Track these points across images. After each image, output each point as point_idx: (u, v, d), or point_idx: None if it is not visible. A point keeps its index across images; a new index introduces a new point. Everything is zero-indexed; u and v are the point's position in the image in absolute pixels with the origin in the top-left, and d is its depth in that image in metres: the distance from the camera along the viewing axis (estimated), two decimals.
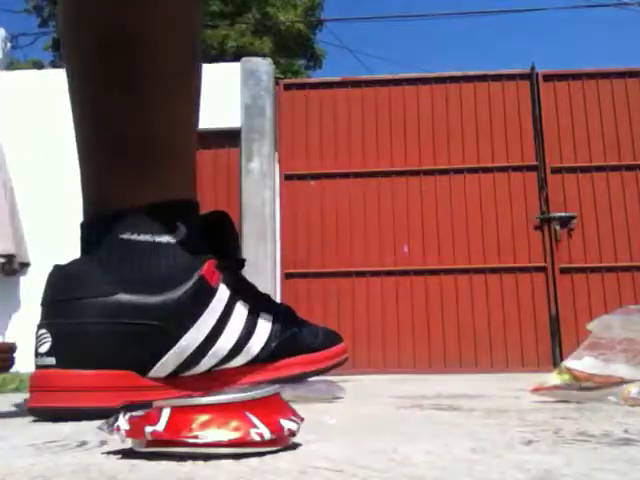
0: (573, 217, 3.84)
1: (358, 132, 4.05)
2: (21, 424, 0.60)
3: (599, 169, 3.91)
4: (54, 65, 11.11)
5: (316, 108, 4.08)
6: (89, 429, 0.52)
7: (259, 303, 0.76)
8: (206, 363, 0.69)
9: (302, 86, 4.23)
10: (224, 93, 4.07)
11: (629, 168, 3.91)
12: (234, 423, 0.35)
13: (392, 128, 4.04)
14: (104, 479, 0.31)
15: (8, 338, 3.85)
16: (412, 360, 3.74)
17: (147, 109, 0.70)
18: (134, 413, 0.37)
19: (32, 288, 3.94)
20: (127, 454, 0.38)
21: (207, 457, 0.35)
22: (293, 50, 11.26)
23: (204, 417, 0.35)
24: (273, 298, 0.83)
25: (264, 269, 3.87)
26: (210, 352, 0.69)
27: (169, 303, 0.66)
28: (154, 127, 0.71)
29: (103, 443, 0.43)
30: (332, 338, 0.83)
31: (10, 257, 3.83)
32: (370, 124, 4.06)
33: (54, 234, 3.95)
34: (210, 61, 4.62)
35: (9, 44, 5.00)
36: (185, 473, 0.32)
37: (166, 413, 0.36)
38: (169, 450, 0.35)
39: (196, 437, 0.35)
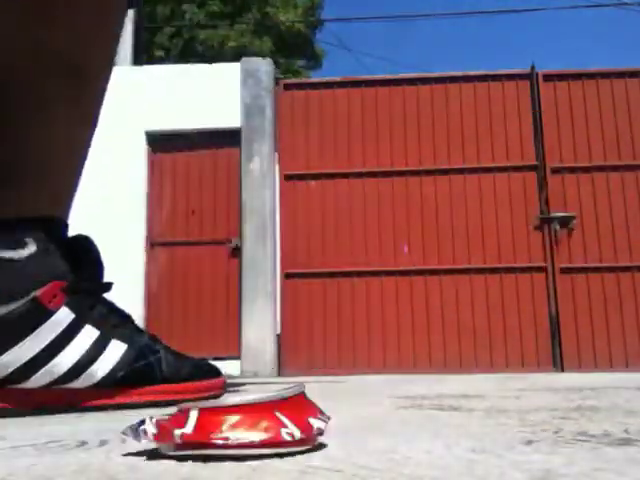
0: (573, 217, 3.84)
1: (358, 132, 4.04)
2: (21, 424, 0.60)
3: (599, 169, 3.91)
4: None
5: (316, 108, 4.08)
6: (89, 429, 0.52)
7: (116, 330, 0.76)
8: (39, 380, 0.70)
9: (302, 86, 4.23)
10: (224, 93, 4.07)
11: (629, 168, 3.91)
12: (264, 423, 0.35)
13: (392, 128, 4.04)
14: (104, 479, 0.31)
15: None
16: (412, 360, 3.74)
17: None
18: (161, 416, 0.37)
19: None
20: (127, 454, 0.38)
21: (237, 459, 0.35)
22: (293, 50, 11.26)
23: (234, 418, 0.35)
24: (141, 327, 0.84)
25: (264, 269, 3.87)
26: (42, 370, 0.70)
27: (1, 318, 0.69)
28: (4, 149, 0.73)
29: (103, 443, 0.43)
30: (203, 372, 0.82)
31: None
32: (370, 124, 4.06)
33: None
34: (210, 61, 4.62)
35: None
36: (185, 473, 0.32)
37: (194, 415, 0.35)
38: (199, 452, 0.35)
39: (227, 439, 0.34)
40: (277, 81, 4.17)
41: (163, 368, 0.78)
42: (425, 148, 4.00)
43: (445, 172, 3.96)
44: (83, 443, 0.43)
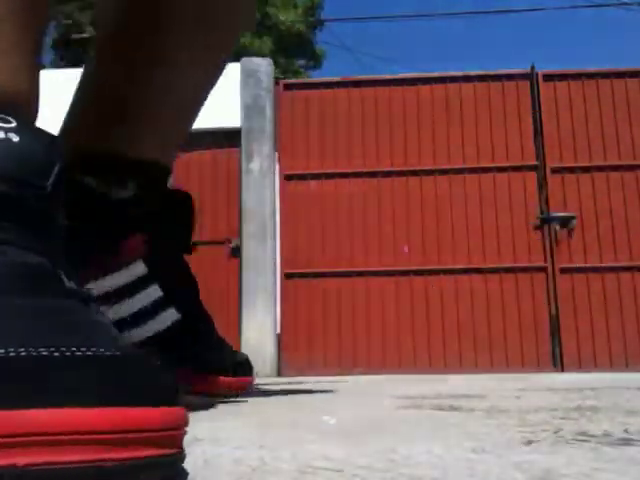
0: (573, 217, 3.84)
1: (358, 132, 4.04)
2: None
3: (599, 169, 3.91)
4: (54, 65, 11.12)
5: (316, 108, 4.08)
6: None
7: (179, 299, 0.74)
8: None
9: (302, 86, 4.23)
10: (224, 93, 4.07)
11: (629, 168, 3.90)
12: None
13: (392, 128, 4.04)
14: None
15: None
16: (412, 360, 3.74)
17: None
18: None
19: None
20: None
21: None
22: (293, 50, 11.26)
23: None
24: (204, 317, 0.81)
25: (264, 269, 3.87)
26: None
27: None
28: (124, 84, 0.74)
29: None
30: (243, 368, 0.79)
31: None
32: (370, 124, 4.06)
33: None
34: None
35: None
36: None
37: None
38: None
39: None
40: (277, 81, 4.17)
41: (206, 356, 0.74)
42: (425, 148, 4.00)
43: (445, 172, 3.96)
44: None
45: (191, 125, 0.84)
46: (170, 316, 0.72)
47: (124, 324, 0.70)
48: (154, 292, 0.72)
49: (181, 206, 0.77)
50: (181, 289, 0.76)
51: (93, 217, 0.68)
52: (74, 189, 0.68)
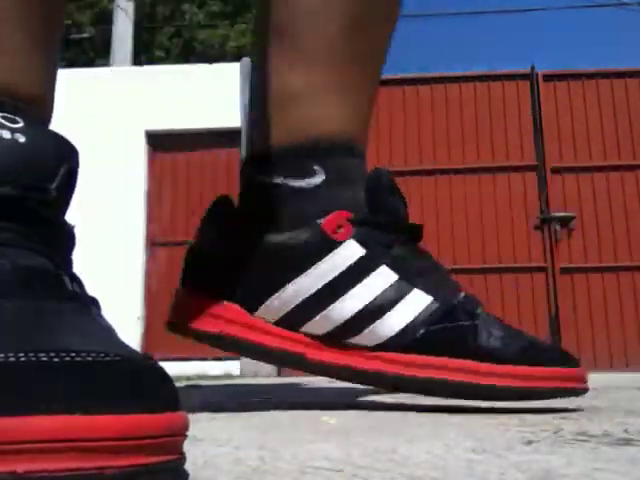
0: (573, 217, 3.84)
1: None
2: None
3: (599, 169, 3.91)
4: None
5: None
6: None
7: (420, 279, 0.61)
8: (320, 324, 0.60)
9: None
10: (224, 93, 4.07)
11: (629, 168, 3.91)
12: None
13: (392, 128, 4.04)
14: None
15: None
16: None
17: None
18: None
19: None
20: None
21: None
22: None
23: None
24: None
25: None
26: (323, 312, 0.60)
27: (284, 244, 0.61)
28: None
29: None
30: (548, 357, 0.59)
31: None
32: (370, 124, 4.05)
33: None
34: (210, 61, 4.62)
35: None
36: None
37: None
38: None
39: None
40: None
41: (481, 339, 0.58)
42: (425, 148, 4.00)
43: (445, 172, 3.96)
44: None
45: (376, 92, 0.73)
46: (418, 300, 0.60)
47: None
48: (387, 275, 0.60)
49: (387, 186, 0.69)
50: (422, 265, 0.64)
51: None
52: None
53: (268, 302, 0.61)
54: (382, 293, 0.59)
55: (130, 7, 6.71)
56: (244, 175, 0.67)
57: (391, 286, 0.60)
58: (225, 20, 10.57)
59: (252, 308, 0.62)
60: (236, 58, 4.39)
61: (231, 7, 10.83)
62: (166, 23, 10.64)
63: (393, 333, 0.58)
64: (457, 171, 3.96)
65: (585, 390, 0.59)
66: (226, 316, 0.62)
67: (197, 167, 4.14)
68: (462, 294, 0.61)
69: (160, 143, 4.14)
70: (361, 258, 0.60)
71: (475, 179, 3.94)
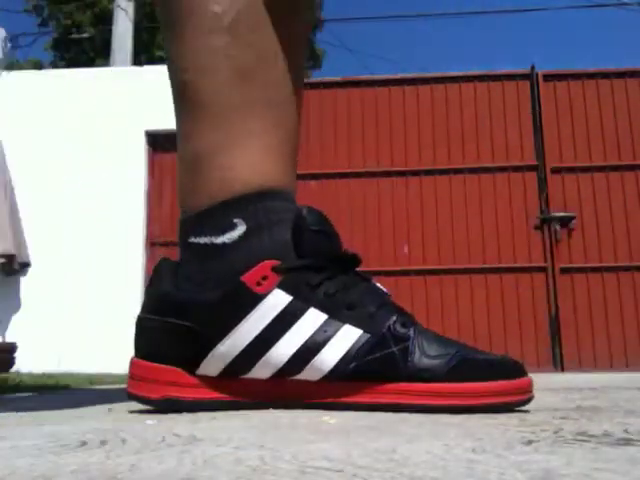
0: (573, 217, 3.84)
1: (358, 132, 4.04)
2: (21, 424, 0.60)
3: (599, 169, 3.91)
4: (54, 65, 11.11)
5: (316, 108, 4.08)
6: (89, 429, 0.52)
7: (351, 313, 0.64)
8: (259, 371, 0.64)
9: None
10: None
11: (629, 168, 3.91)
12: None
13: (392, 128, 4.04)
14: (104, 479, 0.31)
15: (8, 338, 3.85)
16: None
17: None
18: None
19: (32, 288, 3.94)
20: (127, 454, 0.38)
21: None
22: None
23: None
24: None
25: None
26: (260, 361, 0.63)
27: (206, 306, 0.64)
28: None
29: (103, 443, 0.43)
30: (496, 371, 0.61)
31: (10, 257, 3.83)
32: (370, 124, 4.06)
33: (54, 234, 3.95)
34: None
35: (9, 44, 5.00)
36: (185, 473, 0.32)
37: None
38: None
39: None
40: None
41: (413, 360, 0.61)
42: (425, 148, 4.00)
43: (445, 172, 3.96)
44: (83, 443, 0.43)
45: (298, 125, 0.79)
46: (348, 335, 0.64)
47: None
48: (316, 316, 0.64)
49: (313, 222, 0.72)
50: (352, 299, 0.68)
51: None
52: None
53: (206, 360, 0.64)
54: (313, 335, 0.63)
55: (130, 7, 6.70)
56: (180, 239, 0.70)
57: (321, 326, 0.63)
58: None
59: (192, 368, 0.65)
60: None
61: None
62: None
63: (331, 366, 0.62)
64: (457, 171, 3.96)
65: (523, 401, 0.61)
66: (167, 379, 0.64)
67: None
68: (394, 318, 0.64)
69: (160, 143, 4.14)
70: (289, 305, 0.63)
71: (475, 179, 3.94)
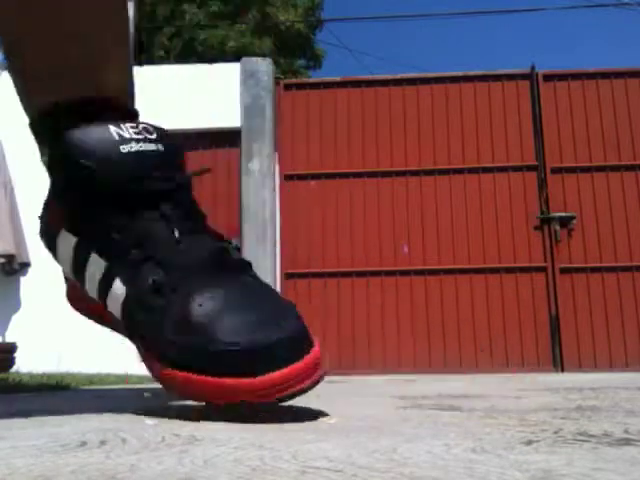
0: (573, 217, 3.84)
1: (358, 132, 4.05)
2: (21, 424, 0.60)
3: (599, 169, 3.91)
4: None
5: (316, 108, 4.08)
6: (89, 429, 0.52)
7: (126, 260, 0.56)
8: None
9: (302, 86, 4.23)
10: (224, 93, 4.07)
11: (629, 168, 3.91)
12: None
13: (392, 128, 4.04)
14: (104, 479, 0.31)
15: (8, 338, 3.85)
16: (412, 360, 3.74)
17: None
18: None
19: (32, 288, 3.94)
20: (127, 454, 0.38)
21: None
22: (293, 50, 11.26)
23: None
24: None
25: (264, 269, 3.87)
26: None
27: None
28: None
29: (103, 443, 0.43)
30: (241, 363, 0.50)
31: (10, 257, 3.83)
32: (370, 124, 4.06)
33: None
34: (210, 61, 4.62)
35: None
36: (185, 473, 0.32)
37: None
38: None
39: None
40: (277, 81, 4.17)
41: (166, 333, 0.51)
42: (425, 148, 4.00)
43: (445, 172, 3.96)
44: (83, 443, 0.43)
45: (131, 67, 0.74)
46: (116, 293, 0.61)
47: None
48: (98, 263, 0.62)
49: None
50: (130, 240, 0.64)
51: None
52: None
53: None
54: (98, 287, 0.63)
55: (130, 7, 6.71)
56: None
57: (102, 279, 0.62)
58: (225, 20, 10.57)
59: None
60: (236, 58, 4.39)
61: (231, 7, 10.83)
62: (166, 23, 10.63)
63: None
64: (457, 171, 3.96)
65: (270, 403, 0.51)
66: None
67: (197, 167, 4.14)
68: (159, 273, 0.58)
69: None
70: (76, 246, 0.63)
71: (475, 179, 3.94)
